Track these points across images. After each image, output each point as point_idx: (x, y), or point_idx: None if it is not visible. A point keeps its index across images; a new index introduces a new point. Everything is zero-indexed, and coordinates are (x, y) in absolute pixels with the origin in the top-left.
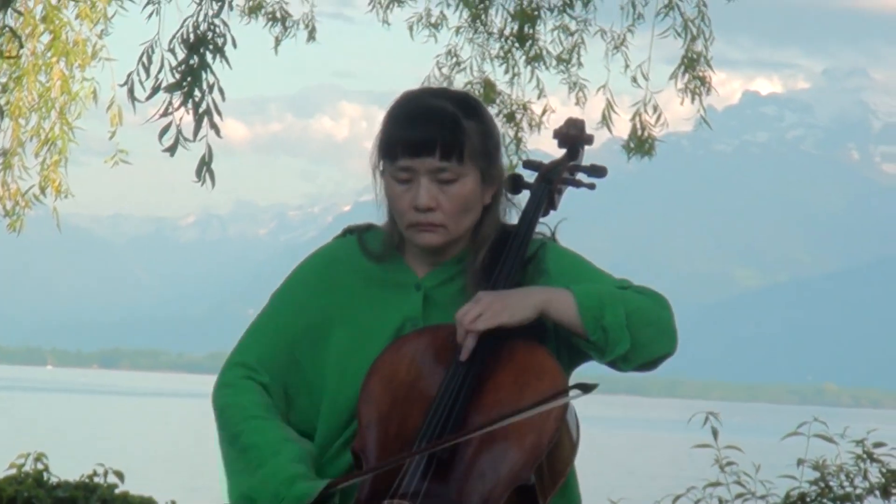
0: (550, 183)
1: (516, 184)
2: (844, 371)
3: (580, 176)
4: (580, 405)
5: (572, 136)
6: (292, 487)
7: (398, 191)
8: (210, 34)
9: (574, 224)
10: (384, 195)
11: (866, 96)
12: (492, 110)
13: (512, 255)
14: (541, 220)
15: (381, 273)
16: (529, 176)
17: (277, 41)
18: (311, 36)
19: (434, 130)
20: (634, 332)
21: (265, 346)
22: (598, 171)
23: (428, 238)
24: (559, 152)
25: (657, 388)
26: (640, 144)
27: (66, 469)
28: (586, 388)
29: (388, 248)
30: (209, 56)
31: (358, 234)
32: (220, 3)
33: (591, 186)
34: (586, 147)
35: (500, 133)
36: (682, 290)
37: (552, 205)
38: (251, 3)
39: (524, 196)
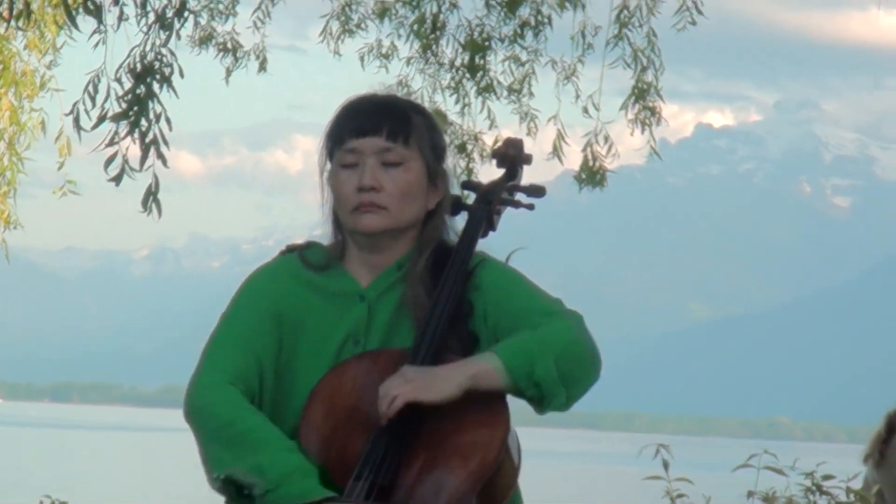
0: (489, 203)
1: (455, 205)
2: (797, 405)
3: (519, 196)
4: (532, 438)
5: (511, 156)
6: (304, 479)
7: (344, 176)
8: (157, 64)
9: (525, 255)
10: (330, 196)
11: (817, 129)
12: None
13: (452, 275)
14: (480, 239)
15: (324, 282)
16: (469, 197)
17: (228, 72)
18: (263, 67)
19: (381, 113)
20: (566, 378)
21: (235, 362)
22: (537, 191)
23: (369, 220)
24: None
25: (611, 422)
26: (591, 176)
27: (13, 500)
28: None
29: (330, 259)
30: (156, 86)
31: (298, 251)
32: (167, 33)
33: (531, 207)
34: (525, 167)
35: (445, 142)
36: (634, 323)
37: (491, 225)
38: (202, 33)
39: (463, 220)
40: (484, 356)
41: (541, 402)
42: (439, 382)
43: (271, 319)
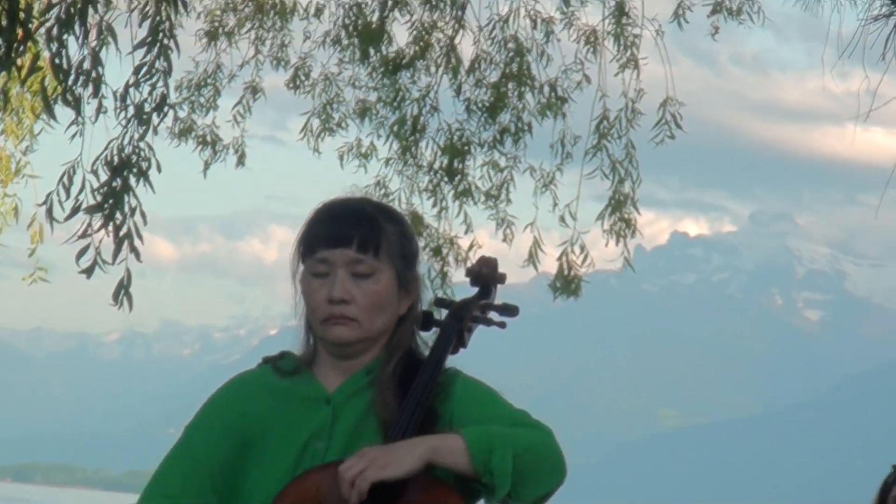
0: (461, 321)
1: (426, 320)
2: None
3: (491, 314)
4: None
5: (484, 274)
6: None
7: (315, 285)
8: (135, 157)
9: (499, 357)
10: (301, 303)
11: (791, 242)
12: (418, 244)
13: (420, 388)
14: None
15: (291, 388)
16: (441, 314)
17: (207, 165)
18: (241, 161)
19: (352, 224)
20: (523, 472)
21: (184, 476)
22: (509, 311)
23: (339, 332)
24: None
25: None
26: (566, 285)
27: None
28: None
29: (300, 364)
30: (132, 179)
31: (272, 362)
32: (145, 127)
33: (502, 325)
34: (500, 285)
35: (418, 246)
36: (604, 427)
37: (461, 342)
38: (181, 126)
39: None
40: (446, 434)
41: (492, 493)
42: (400, 456)
43: (232, 434)
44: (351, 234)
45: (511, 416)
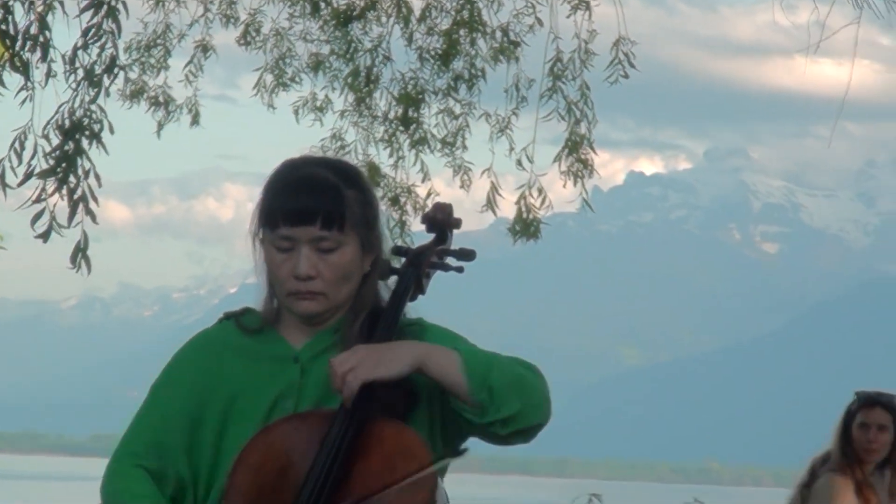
0: (418, 267)
1: (386, 270)
2: (727, 449)
3: (448, 260)
4: (466, 484)
5: (439, 220)
6: None
7: (278, 259)
8: (86, 120)
9: (459, 303)
10: (263, 263)
11: (746, 176)
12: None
13: (381, 336)
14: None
15: (258, 347)
16: (399, 262)
17: (160, 126)
18: (195, 120)
19: (315, 200)
20: (521, 395)
21: (153, 433)
22: (466, 255)
23: (307, 306)
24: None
25: (544, 467)
26: (525, 227)
27: None
28: (456, 453)
29: (264, 322)
30: (85, 142)
31: (235, 318)
32: (96, 90)
33: (460, 270)
34: (456, 231)
35: (378, 201)
36: (567, 369)
37: (420, 289)
38: (132, 87)
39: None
40: (443, 347)
41: (487, 411)
42: (393, 356)
43: (199, 390)
44: (314, 211)
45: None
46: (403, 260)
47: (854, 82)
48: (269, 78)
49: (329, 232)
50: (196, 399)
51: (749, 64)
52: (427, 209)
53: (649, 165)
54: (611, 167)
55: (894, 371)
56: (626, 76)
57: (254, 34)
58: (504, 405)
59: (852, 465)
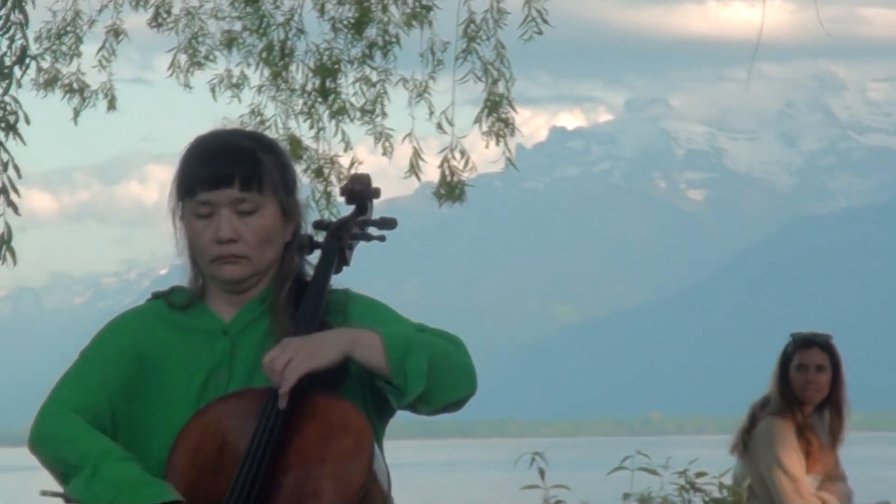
0: (340, 239)
1: (308, 244)
2: (668, 400)
3: (370, 230)
4: (406, 449)
5: (358, 191)
6: (149, 486)
7: (199, 227)
8: (1, 112)
9: (390, 270)
10: (185, 237)
11: (667, 124)
12: (299, 167)
13: (309, 309)
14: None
15: (187, 321)
16: (322, 236)
17: (77, 113)
18: (112, 105)
19: (232, 162)
20: (436, 377)
21: (84, 395)
22: (387, 224)
23: (230, 270)
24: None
25: (485, 429)
26: (450, 191)
27: None
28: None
29: (192, 297)
30: (1, 134)
31: (163, 296)
32: (7, 81)
33: (382, 239)
34: (376, 200)
35: (295, 171)
36: (502, 330)
37: (343, 260)
38: (46, 76)
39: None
40: (365, 329)
41: (401, 395)
42: (323, 346)
43: (129, 358)
44: (231, 173)
45: (417, 326)
46: (325, 234)
47: (768, 23)
48: (183, 58)
49: (248, 193)
50: (125, 366)
51: (661, 11)
52: (345, 183)
53: (571, 119)
54: (532, 124)
55: (826, 310)
56: (541, 32)
57: (165, 15)
58: (420, 386)
59: (792, 407)
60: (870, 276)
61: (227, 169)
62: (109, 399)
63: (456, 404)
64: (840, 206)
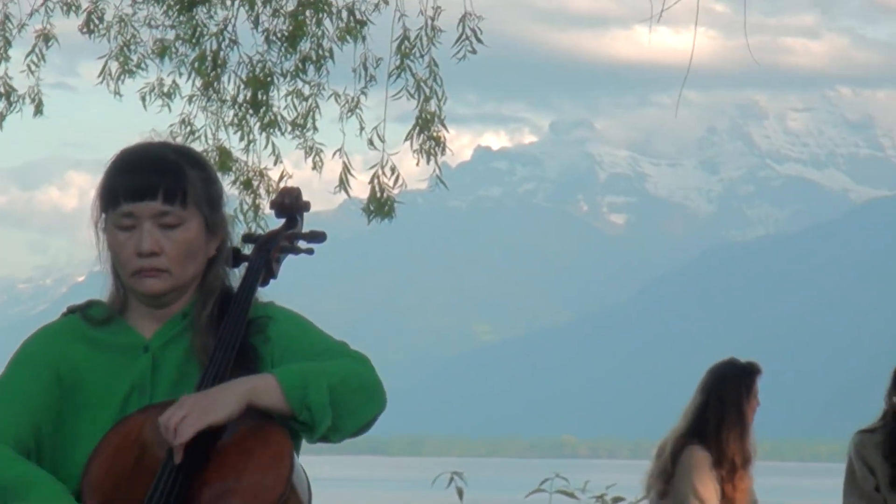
0: (268, 252)
1: (235, 257)
2: (581, 422)
3: (299, 243)
4: (321, 466)
5: (288, 205)
6: None
7: (121, 238)
8: None
9: (313, 284)
10: (107, 249)
11: (591, 147)
12: (228, 178)
13: (232, 323)
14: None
15: (106, 338)
16: (249, 248)
17: (2, 117)
18: (39, 110)
19: (156, 174)
20: (340, 404)
21: (4, 422)
22: (316, 237)
23: (151, 284)
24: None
25: (398, 447)
26: (379, 207)
27: None
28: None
29: (111, 313)
30: None
31: (80, 311)
32: None
33: (310, 252)
34: (305, 213)
35: (223, 187)
36: (420, 346)
37: (271, 273)
38: None
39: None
40: (260, 375)
41: (311, 429)
42: (219, 401)
43: (49, 379)
44: (156, 186)
45: (329, 349)
46: (253, 247)
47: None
48: (114, 65)
49: (171, 207)
50: (45, 392)
51: (589, 35)
52: (275, 196)
53: (495, 140)
54: (457, 142)
55: (743, 337)
56: (475, 52)
57: (97, 22)
58: (323, 421)
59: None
60: (786, 303)
61: (151, 181)
62: (33, 422)
63: (366, 426)
64: (757, 233)
